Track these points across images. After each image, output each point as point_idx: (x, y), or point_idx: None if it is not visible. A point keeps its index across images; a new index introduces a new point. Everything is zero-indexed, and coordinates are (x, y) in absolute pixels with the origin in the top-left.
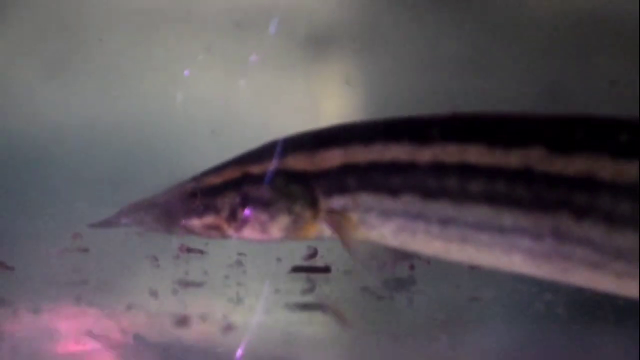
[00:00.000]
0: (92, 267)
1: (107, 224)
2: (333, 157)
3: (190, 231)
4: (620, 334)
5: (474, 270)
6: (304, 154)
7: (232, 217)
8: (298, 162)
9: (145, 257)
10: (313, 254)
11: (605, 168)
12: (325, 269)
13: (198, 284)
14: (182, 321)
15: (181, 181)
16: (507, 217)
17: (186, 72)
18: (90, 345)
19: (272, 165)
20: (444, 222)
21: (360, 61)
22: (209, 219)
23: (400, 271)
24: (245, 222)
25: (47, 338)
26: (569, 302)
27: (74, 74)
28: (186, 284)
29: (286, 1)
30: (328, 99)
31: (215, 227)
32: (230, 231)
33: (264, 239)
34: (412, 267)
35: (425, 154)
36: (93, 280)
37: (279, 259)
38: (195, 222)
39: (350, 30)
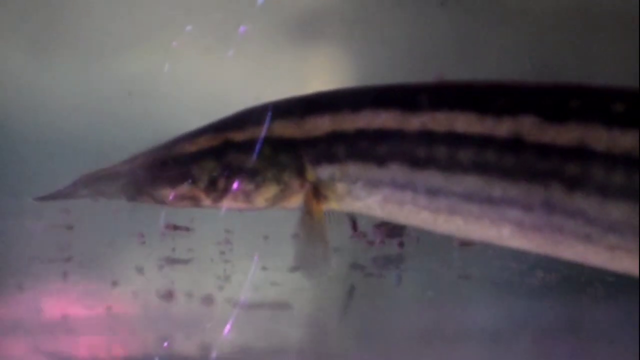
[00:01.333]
0: (78, 243)
1: (60, 195)
2: (322, 124)
3: (159, 201)
4: (610, 309)
5: (463, 247)
6: (292, 121)
7: (212, 186)
8: (286, 129)
9: (131, 234)
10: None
11: (598, 138)
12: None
13: (185, 261)
14: (168, 297)
15: (148, 149)
16: (497, 188)
17: (174, 43)
18: (75, 320)
19: (256, 132)
20: (432, 192)
21: (348, 44)
22: (184, 189)
23: (389, 249)
24: (226, 191)
25: (32, 313)
26: (558, 279)
27: (58, 48)
28: (173, 261)
29: None
30: (315, 81)
31: (190, 197)
32: (207, 201)
33: (245, 208)
34: (401, 245)
35: (414, 122)
36: (78, 257)
37: (266, 237)
38: (167, 192)
39: (339, 13)
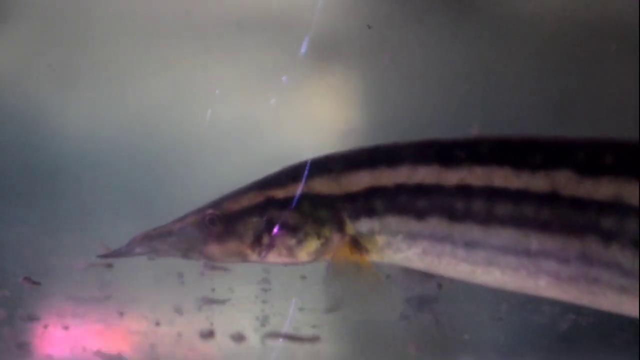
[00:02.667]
0: (117, 283)
1: (118, 254)
2: (360, 180)
3: (209, 257)
4: None
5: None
6: (330, 177)
7: (257, 242)
8: (324, 186)
9: (169, 273)
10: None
11: (633, 193)
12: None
13: (222, 301)
14: (208, 338)
15: (197, 208)
16: (534, 241)
17: (217, 91)
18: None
19: (296, 189)
20: (470, 244)
21: (362, 70)
22: (232, 246)
23: (424, 290)
24: (271, 247)
25: (78, 354)
26: (592, 324)
27: (87, 82)
28: (211, 301)
29: (287, 10)
30: (328, 108)
31: (238, 253)
32: (254, 257)
33: (289, 262)
34: (439, 286)
35: (452, 177)
36: (119, 296)
37: (303, 277)
38: (216, 249)
39: (353, 36)
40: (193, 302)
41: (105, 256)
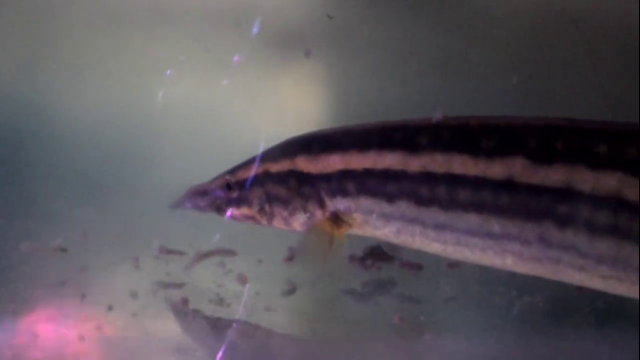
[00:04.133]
0: (72, 267)
1: (176, 205)
2: (334, 163)
3: (233, 218)
4: (600, 336)
5: (451, 270)
6: (310, 157)
7: (262, 210)
8: (305, 164)
9: (124, 258)
10: (292, 257)
11: (582, 179)
12: (388, 257)
13: (178, 285)
14: (163, 322)
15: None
16: (495, 225)
17: (168, 72)
18: (72, 347)
19: (285, 165)
20: (439, 227)
21: (335, 62)
22: (245, 210)
23: (380, 273)
24: (272, 215)
25: (28, 340)
26: (548, 304)
27: (54, 72)
28: (166, 285)
29: (262, 1)
30: (302, 99)
31: (251, 217)
32: (264, 222)
33: (291, 230)
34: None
35: (415, 163)
36: (72, 281)
37: (260, 260)
38: (236, 211)
39: (326, 31)
40: (149, 286)
41: (172, 206)
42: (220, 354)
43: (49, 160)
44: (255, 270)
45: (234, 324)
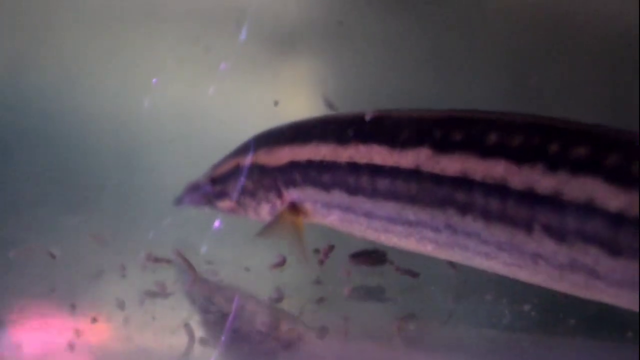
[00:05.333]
0: (58, 275)
1: (177, 202)
2: (284, 155)
3: (221, 211)
4: (592, 344)
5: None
6: (267, 150)
7: (238, 202)
8: (264, 157)
9: (111, 266)
10: (282, 262)
11: (475, 168)
12: (382, 257)
13: (165, 295)
14: (149, 332)
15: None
16: (409, 213)
17: (154, 80)
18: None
19: (251, 159)
20: (367, 215)
21: (327, 60)
22: (226, 203)
23: (371, 280)
24: (246, 206)
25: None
26: (535, 313)
27: (42, 74)
28: (154, 294)
29: (252, 2)
30: (297, 98)
31: (232, 209)
32: (242, 213)
33: (264, 220)
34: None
35: (344, 155)
36: (59, 290)
37: (247, 269)
38: (220, 204)
39: (317, 30)
40: (136, 295)
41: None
42: None
43: (35, 166)
44: (244, 277)
45: (223, 336)
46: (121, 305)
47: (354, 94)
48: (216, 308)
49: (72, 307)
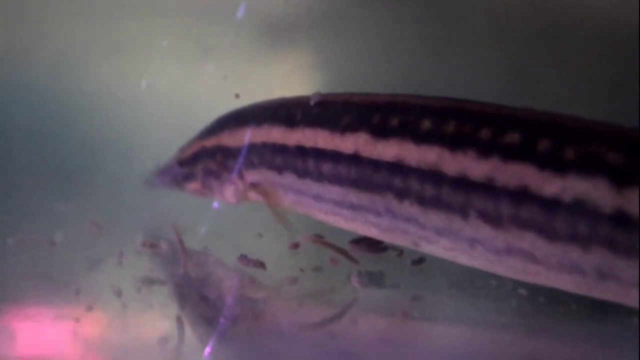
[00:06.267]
0: (55, 263)
1: (149, 185)
2: (245, 136)
3: (190, 193)
4: (595, 329)
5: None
6: (229, 132)
7: (204, 184)
8: (227, 139)
9: (108, 252)
10: (296, 245)
11: (410, 154)
12: (382, 247)
13: (162, 281)
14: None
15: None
16: (352, 197)
17: (143, 84)
18: (52, 345)
19: (215, 140)
20: (316, 197)
21: (322, 47)
22: (194, 184)
23: (373, 265)
24: (210, 188)
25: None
26: (514, 305)
27: (30, 62)
28: (150, 281)
29: None
30: (290, 85)
31: (200, 191)
32: (208, 194)
33: (230, 202)
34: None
35: (293, 138)
36: (55, 278)
37: (242, 255)
38: (188, 186)
39: (309, 19)
40: (132, 282)
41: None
42: (208, 350)
43: (29, 153)
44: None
45: (221, 320)
46: (117, 293)
47: (347, 85)
48: (209, 293)
49: (69, 295)
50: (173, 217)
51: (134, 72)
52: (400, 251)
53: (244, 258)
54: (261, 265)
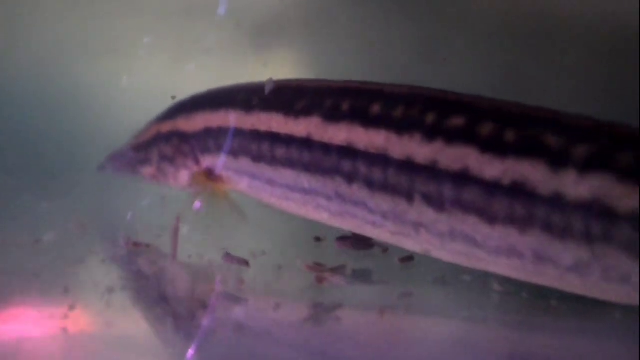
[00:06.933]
0: (43, 259)
1: (101, 169)
2: (199, 121)
3: (145, 178)
4: (584, 326)
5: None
6: (185, 116)
7: (158, 168)
8: (182, 124)
9: (92, 251)
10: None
11: (359, 138)
12: (368, 241)
13: (146, 279)
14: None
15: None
16: (304, 181)
17: (124, 79)
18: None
19: (170, 125)
20: (270, 182)
21: (308, 49)
22: (148, 170)
23: (360, 263)
24: (164, 173)
25: None
26: (526, 294)
27: (14, 58)
28: (134, 279)
29: None
30: None
31: (153, 176)
32: (162, 180)
33: (183, 188)
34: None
35: (248, 122)
36: (39, 278)
37: (226, 252)
38: (143, 171)
39: (298, 18)
40: (116, 281)
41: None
42: (190, 352)
43: (13, 154)
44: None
45: (204, 321)
46: (101, 292)
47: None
48: (192, 293)
49: (54, 293)
50: (156, 217)
51: (118, 71)
52: (385, 248)
53: (228, 256)
54: (245, 263)
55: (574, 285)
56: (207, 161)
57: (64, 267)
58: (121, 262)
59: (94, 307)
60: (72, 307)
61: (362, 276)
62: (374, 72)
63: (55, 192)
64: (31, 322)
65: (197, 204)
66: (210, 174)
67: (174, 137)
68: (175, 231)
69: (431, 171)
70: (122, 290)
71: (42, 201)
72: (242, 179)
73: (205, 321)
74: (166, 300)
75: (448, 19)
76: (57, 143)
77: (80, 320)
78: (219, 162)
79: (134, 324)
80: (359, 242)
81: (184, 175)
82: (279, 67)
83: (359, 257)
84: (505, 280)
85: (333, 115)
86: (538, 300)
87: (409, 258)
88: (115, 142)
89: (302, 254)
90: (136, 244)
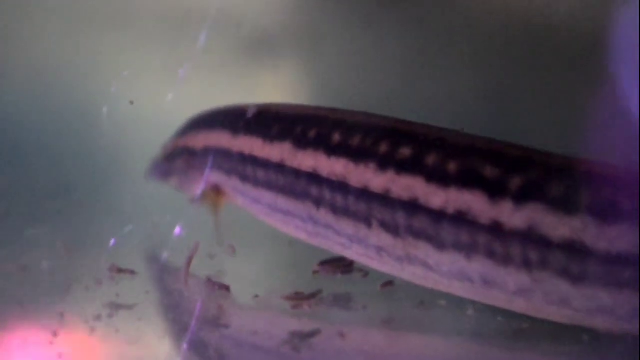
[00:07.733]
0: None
1: (147, 176)
2: (199, 139)
3: (175, 187)
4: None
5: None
6: (192, 134)
7: (179, 179)
8: (190, 141)
9: (76, 277)
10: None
11: (322, 165)
12: (349, 266)
13: (129, 307)
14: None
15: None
16: (282, 203)
17: (112, 89)
18: None
19: (182, 141)
20: (255, 201)
21: (300, 62)
22: (174, 179)
23: (343, 286)
24: (182, 185)
25: None
26: (502, 318)
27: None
28: (118, 305)
29: (228, 5)
30: (274, 99)
31: (180, 186)
32: (185, 190)
33: (197, 200)
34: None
35: (235, 145)
36: (23, 305)
37: (209, 279)
38: (171, 180)
39: (291, 32)
40: (100, 307)
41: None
42: None
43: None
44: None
45: (184, 346)
46: (85, 318)
47: (331, 99)
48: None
49: (38, 319)
50: (140, 242)
51: (107, 94)
52: (365, 272)
53: (209, 281)
54: (226, 288)
55: (523, 308)
56: (212, 177)
57: (49, 293)
58: (106, 289)
59: (79, 334)
60: (55, 334)
61: (342, 301)
62: (365, 87)
63: (42, 217)
64: (16, 348)
65: (177, 230)
66: (218, 189)
67: (185, 153)
68: (190, 258)
69: (385, 199)
70: (107, 317)
71: (28, 226)
72: (238, 196)
73: (185, 346)
74: (149, 326)
75: (438, 36)
76: (45, 168)
77: (65, 346)
78: (218, 178)
79: (118, 349)
80: (340, 267)
81: (198, 188)
82: (276, 82)
83: (340, 282)
84: (481, 305)
85: (302, 142)
86: (512, 323)
87: (389, 283)
88: (103, 167)
89: (282, 279)
90: (121, 270)
